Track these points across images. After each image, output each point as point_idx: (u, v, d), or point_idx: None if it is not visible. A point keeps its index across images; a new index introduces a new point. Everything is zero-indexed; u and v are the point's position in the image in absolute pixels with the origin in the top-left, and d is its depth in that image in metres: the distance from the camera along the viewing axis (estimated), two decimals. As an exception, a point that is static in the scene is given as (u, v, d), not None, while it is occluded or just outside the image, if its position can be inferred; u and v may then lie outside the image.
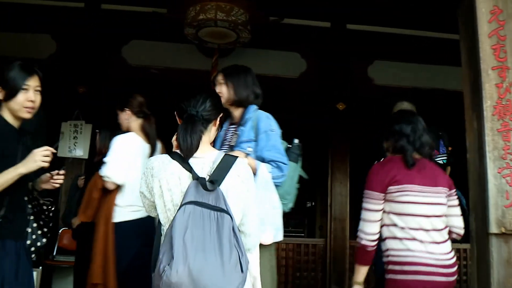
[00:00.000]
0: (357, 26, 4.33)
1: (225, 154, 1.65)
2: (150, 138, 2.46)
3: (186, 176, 1.56)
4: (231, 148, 2.18)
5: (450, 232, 2.12)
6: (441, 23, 4.31)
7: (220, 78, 2.30)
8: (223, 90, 2.25)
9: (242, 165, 1.64)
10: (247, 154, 2.09)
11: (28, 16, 4.08)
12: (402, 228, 2.05)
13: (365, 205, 2.12)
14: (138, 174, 2.21)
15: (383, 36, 4.37)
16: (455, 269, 2.03)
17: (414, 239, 2.02)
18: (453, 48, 4.46)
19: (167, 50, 4.23)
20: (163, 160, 1.60)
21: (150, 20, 3.93)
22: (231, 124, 2.30)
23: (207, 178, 1.55)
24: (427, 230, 2.03)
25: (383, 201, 2.10)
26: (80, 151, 3.98)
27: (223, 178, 1.57)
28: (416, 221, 2.04)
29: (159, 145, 2.54)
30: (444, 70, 4.48)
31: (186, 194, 1.51)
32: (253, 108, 2.24)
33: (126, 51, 4.22)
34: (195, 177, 1.54)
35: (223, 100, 2.14)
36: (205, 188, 1.52)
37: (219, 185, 1.55)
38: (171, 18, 3.46)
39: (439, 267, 1.98)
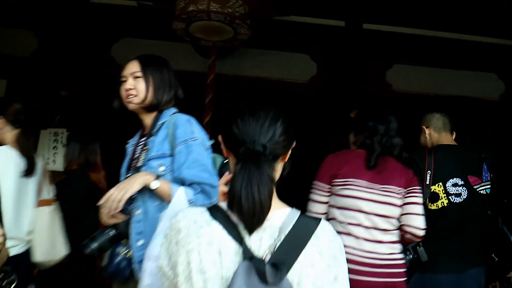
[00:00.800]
0: (375, 26, 3.92)
1: (300, 215, 1.03)
2: (25, 153, 2.09)
3: (233, 252, 0.96)
4: (138, 170, 1.62)
5: (405, 232, 2.10)
6: (469, 25, 3.95)
7: (135, 68, 1.69)
8: (140, 88, 1.67)
9: (327, 234, 1.02)
10: (158, 176, 1.56)
11: (7, 9, 3.74)
12: (341, 222, 2.06)
13: (311, 195, 2.15)
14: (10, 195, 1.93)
15: (404, 37, 3.96)
16: (395, 270, 2.00)
17: (349, 234, 2.03)
18: (482, 52, 4.18)
19: (161, 49, 3.79)
20: (196, 219, 1.00)
21: (142, 15, 3.58)
22: (142, 135, 1.75)
23: (267, 258, 0.95)
24: (366, 227, 2.04)
25: (328, 193, 2.12)
26: (59, 164, 3.52)
27: (294, 260, 0.96)
28: (356, 216, 2.05)
29: (40, 163, 2.17)
30: (472, 76, 4.08)
31: (232, 286, 0.91)
32: (169, 111, 1.70)
33: (116, 50, 3.86)
34: (248, 256, 0.95)
35: (135, 100, 1.67)
36: (263, 278, 0.90)
37: (286, 273, 0.95)
38: (159, 10, 3.04)
39: (368, 265, 1.97)
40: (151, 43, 3.84)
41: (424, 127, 2.51)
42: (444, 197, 2.28)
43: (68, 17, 3.78)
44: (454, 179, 2.31)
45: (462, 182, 2.31)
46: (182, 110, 1.74)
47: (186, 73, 3.76)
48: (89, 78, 3.67)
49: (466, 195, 2.28)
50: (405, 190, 2.11)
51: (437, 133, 2.48)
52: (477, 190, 2.33)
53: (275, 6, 3.08)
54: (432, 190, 2.30)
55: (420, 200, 2.12)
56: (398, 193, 2.08)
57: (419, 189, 2.14)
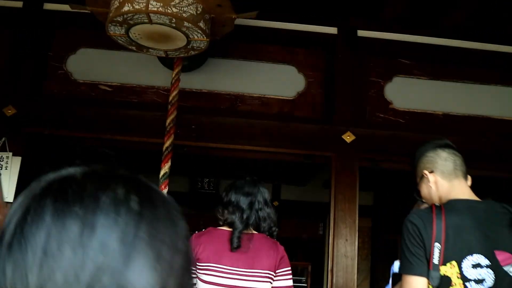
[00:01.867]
0: (371, 33, 3.49)
1: None
2: None
3: None
4: None
5: None
6: (484, 32, 3.49)
7: None
8: None
9: None
10: None
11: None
12: None
13: None
14: None
15: (406, 45, 3.52)
16: None
17: None
18: (502, 63, 3.72)
19: (123, 61, 3.41)
20: None
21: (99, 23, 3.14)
22: None
23: None
24: None
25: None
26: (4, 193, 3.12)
27: None
28: None
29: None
30: (488, 90, 3.57)
31: None
32: None
33: (71, 63, 3.42)
34: None
35: None
36: None
37: None
38: (95, 13, 2.53)
39: None
40: (112, 53, 3.40)
41: (426, 172, 1.84)
42: (460, 284, 1.57)
43: (20, 27, 3.37)
44: (475, 256, 1.58)
45: (487, 261, 1.58)
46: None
47: (152, 88, 3.35)
48: (38, 95, 3.25)
49: (492, 282, 1.57)
50: (274, 273, 1.99)
51: (446, 181, 1.78)
52: (510, 273, 1.59)
53: (245, 6, 2.55)
54: (442, 274, 1.57)
55: (290, 283, 1.98)
56: (264, 277, 1.95)
57: (289, 270, 2.00)
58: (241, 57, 3.40)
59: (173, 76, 2.77)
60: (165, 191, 2.55)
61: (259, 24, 3.34)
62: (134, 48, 2.50)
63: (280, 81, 3.39)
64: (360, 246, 5.56)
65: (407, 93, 3.51)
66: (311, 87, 3.38)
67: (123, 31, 2.34)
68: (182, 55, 2.55)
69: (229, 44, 3.38)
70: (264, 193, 2.24)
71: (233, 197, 2.20)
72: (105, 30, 2.41)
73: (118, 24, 2.29)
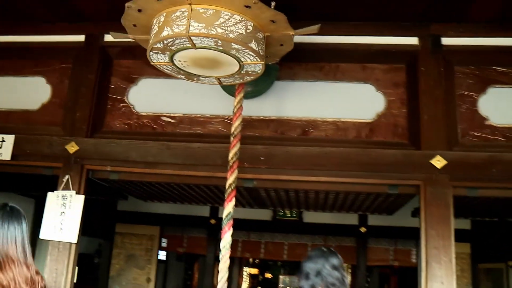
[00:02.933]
0: (458, 40, 3.06)
1: None
2: None
3: None
4: None
5: None
6: None
7: None
8: None
9: None
10: None
11: None
12: None
13: None
14: None
15: (501, 50, 3.05)
16: None
17: None
18: None
19: (186, 89, 3.23)
20: None
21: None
22: None
23: None
24: None
25: None
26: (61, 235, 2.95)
27: None
28: None
29: None
30: None
31: None
32: None
33: (133, 95, 3.33)
34: None
35: None
36: None
37: None
38: (137, 41, 2.37)
39: None
40: (172, 82, 3.28)
41: None
42: None
43: (79, 59, 3.34)
44: None
45: None
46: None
47: (214, 118, 3.17)
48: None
49: None
50: None
51: None
52: None
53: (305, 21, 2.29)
54: None
55: None
56: None
57: None
58: (311, 78, 3.12)
59: (235, 104, 2.55)
60: (229, 233, 2.31)
61: (327, 41, 3.06)
62: (183, 77, 2.30)
63: (357, 102, 3.07)
64: (458, 274, 5.04)
65: (505, 106, 3.05)
66: (392, 107, 3.02)
67: (167, 59, 2.13)
68: (237, 81, 2.31)
69: (296, 65, 3.14)
70: (332, 260, 2.49)
71: (304, 265, 2.52)
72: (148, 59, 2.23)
73: (160, 52, 2.09)
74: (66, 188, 3.07)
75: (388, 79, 3.08)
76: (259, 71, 2.23)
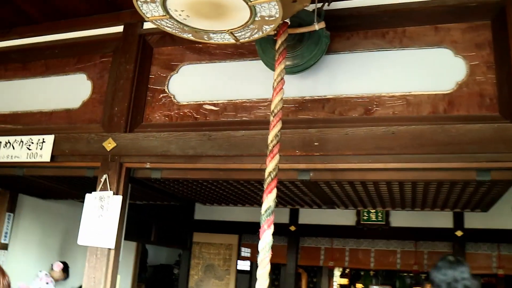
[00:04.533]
0: None
1: None
2: None
3: None
4: None
5: None
6: None
7: None
8: None
9: None
10: None
11: None
12: None
13: None
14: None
15: None
16: None
17: None
18: None
19: (229, 73, 2.88)
20: None
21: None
22: None
23: None
24: None
25: None
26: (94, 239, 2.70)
27: None
28: None
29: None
30: None
31: None
32: None
33: (174, 83, 3.03)
34: None
35: None
36: None
37: None
38: None
39: None
40: (215, 66, 2.96)
41: None
42: None
43: (118, 51, 3.12)
44: None
45: None
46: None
47: (261, 102, 2.79)
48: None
49: None
50: None
51: None
52: None
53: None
54: None
55: None
56: None
57: None
58: (372, 48, 2.64)
59: (275, 77, 2.14)
60: (269, 232, 1.90)
61: (388, 1, 2.58)
62: (191, 36, 1.92)
63: (430, 71, 2.52)
64: None
65: None
66: (475, 73, 2.44)
67: (160, 10, 1.75)
68: (256, 35, 1.89)
69: (354, 33, 2.67)
70: (463, 272, 2.61)
71: (434, 276, 2.69)
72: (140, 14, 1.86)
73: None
74: (104, 188, 2.83)
75: (468, 40, 2.50)
76: (277, 14, 1.77)
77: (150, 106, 3.02)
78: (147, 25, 3.14)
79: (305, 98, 2.66)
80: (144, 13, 1.83)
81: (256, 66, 2.82)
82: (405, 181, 2.98)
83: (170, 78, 3.04)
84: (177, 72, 3.04)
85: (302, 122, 2.59)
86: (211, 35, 1.89)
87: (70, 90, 3.29)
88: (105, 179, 2.83)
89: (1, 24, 3.53)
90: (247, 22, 1.76)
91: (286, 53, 2.22)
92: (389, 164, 2.43)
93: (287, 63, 2.37)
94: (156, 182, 3.40)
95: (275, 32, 2.23)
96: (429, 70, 2.55)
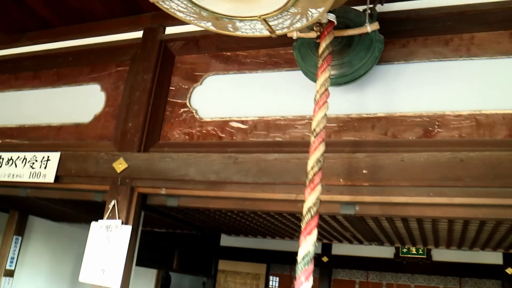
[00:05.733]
0: None
1: None
2: None
3: None
4: None
5: None
6: None
7: None
8: None
9: None
10: None
11: None
12: None
13: None
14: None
15: None
16: None
17: None
18: None
19: (261, 85, 2.52)
20: None
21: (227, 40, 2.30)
22: None
23: None
24: None
25: None
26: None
27: None
28: None
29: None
30: None
31: None
32: None
33: (197, 97, 2.68)
34: None
35: None
36: None
37: None
38: None
39: None
40: (244, 77, 2.59)
41: None
42: None
43: (135, 59, 2.78)
44: None
45: None
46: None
47: (299, 120, 2.39)
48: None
49: None
50: None
51: None
52: None
53: None
54: None
55: None
56: None
57: None
58: (433, 57, 2.22)
59: (317, 88, 1.74)
60: (307, 285, 1.48)
61: (452, 2, 2.17)
62: (211, 26, 1.52)
63: (506, 86, 2.10)
64: None
65: None
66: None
67: None
68: (298, 24, 1.46)
69: (411, 40, 2.26)
70: None
71: None
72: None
73: None
74: (112, 216, 2.47)
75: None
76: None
77: (168, 122, 2.65)
78: (169, 30, 2.81)
79: (351, 115, 2.25)
80: None
81: (293, 77, 2.44)
82: (473, 219, 2.52)
83: (192, 90, 2.68)
84: (200, 84, 2.68)
85: (347, 145, 2.17)
86: (238, 23, 1.49)
87: (81, 102, 2.97)
88: (114, 205, 2.47)
89: (13, 28, 3.27)
90: (287, 3, 1.34)
91: (331, 60, 1.82)
92: (455, 198, 1.98)
93: (332, 72, 1.97)
94: (173, 210, 3.02)
95: (318, 34, 1.85)
96: (503, 85, 2.10)
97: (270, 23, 1.48)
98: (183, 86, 2.70)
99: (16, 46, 3.30)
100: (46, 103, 3.10)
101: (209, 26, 1.57)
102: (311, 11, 1.38)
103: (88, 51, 3.04)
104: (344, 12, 2.00)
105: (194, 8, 1.42)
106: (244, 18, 1.46)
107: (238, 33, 1.57)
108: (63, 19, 3.09)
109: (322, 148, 1.68)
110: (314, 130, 1.71)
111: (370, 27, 1.88)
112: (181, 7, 1.43)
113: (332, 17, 1.79)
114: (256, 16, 1.43)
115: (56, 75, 3.16)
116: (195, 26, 2.33)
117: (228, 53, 2.67)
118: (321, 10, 1.37)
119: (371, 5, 2.01)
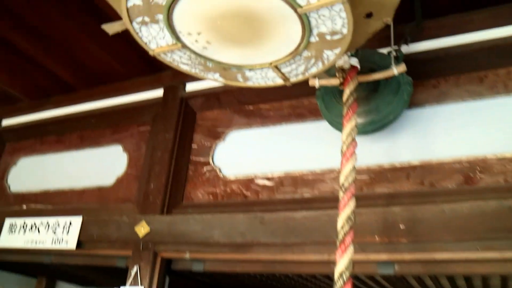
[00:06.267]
0: None
1: None
2: None
3: None
4: None
5: None
6: None
7: None
8: None
9: None
10: None
11: None
12: None
13: None
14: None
15: None
16: None
17: None
18: None
19: (286, 137, 2.42)
20: None
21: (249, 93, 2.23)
22: None
23: None
24: None
25: None
26: None
27: None
28: None
29: None
30: None
31: None
32: None
33: (219, 154, 2.59)
34: None
35: None
36: None
37: None
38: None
39: None
40: (268, 131, 2.49)
41: None
42: None
43: (156, 118, 2.72)
44: None
45: None
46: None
47: (327, 173, 2.24)
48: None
49: None
50: None
51: None
52: None
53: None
54: None
55: None
56: None
57: None
58: (467, 97, 2.06)
59: (344, 139, 1.62)
60: None
61: (485, 37, 2.03)
62: (219, 77, 1.40)
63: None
64: None
65: None
66: None
67: (169, 36, 1.22)
68: (313, 69, 1.33)
69: (442, 79, 2.13)
70: None
71: None
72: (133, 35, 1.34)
73: (145, 16, 1.19)
74: (135, 283, 2.34)
75: None
76: (344, 29, 1.19)
77: (191, 182, 2.55)
78: (190, 87, 2.76)
79: (383, 166, 2.09)
80: (146, 44, 1.35)
81: (318, 128, 2.32)
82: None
83: (215, 147, 2.58)
84: (223, 140, 2.59)
85: (381, 198, 2.01)
86: (247, 72, 1.37)
87: (104, 165, 2.91)
88: (136, 271, 2.35)
89: (38, 93, 3.30)
90: (299, 46, 1.22)
91: (357, 107, 1.70)
92: (507, 252, 1.78)
93: (359, 120, 1.85)
94: (199, 275, 2.86)
95: (341, 80, 1.74)
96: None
97: (283, 70, 1.37)
98: (206, 144, 2.62)
99: (41, 111, 3.32)
100: (69, 167, 3.07)
101: (217, 77, 1.47)
102: (326, 54, 1.27)
103: (110, 112, 3.01)
104: (367, 55, 1.89)
105: (198, 59, 1.33)
106: (254, 67, 1.35)
107: (249, 84, 1.47)
108: (84, 82, 3.09)
109: (352, 204, 1.53)
110: (343, 184, 1.56)
111: (396, 70, 1.75)
112: (184, 58, 1.34)
113: (354, 61, 1.69)
114: (266, 64, 1.32)
115: (79, 138, 3.13)
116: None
117: (250, 107, 2.59)
118: (337, 51, 1.25)
119: (396, 47, 1.90)
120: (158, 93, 2.85)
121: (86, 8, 2.41)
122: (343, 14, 1.12)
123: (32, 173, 3.22)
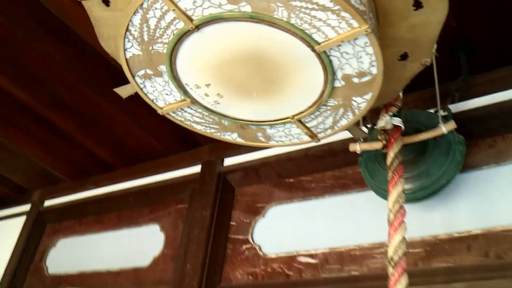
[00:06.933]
0: None
1: None
2: None
3: None
4: None
5: None
6: None
7: None
8: None
9: None
10: None
11: None
12: None
13: None
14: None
15: None
16: None
17: None
18: None
19: (330, 211, 2.26)
20: None
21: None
22: None
23: None
24: None
25: None
26: None
27: None
28: None
29: None
30: None
31: None
32: None
33: (259, 232, 2.42)
34: None
35: None
36: None
37: None
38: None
39: None
40: (309, 205, 2.32)
41: None
42: None
43: (193, 195, 2.62)
44: None
45: None
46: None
47: (376, 248, 2.04)
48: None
49: None
50: None
51: None
52: None
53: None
54: None
55: None
56: None
57: None
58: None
59: (390, 207, 1.45)
60: None
61: None
62: (237, 137, 1.25)
63: None
64: None
65: None
66: None
67: (176, 91, 1.11)
68: (343, 120, 1.15)
69: (499, 138, 1.94)
70: None
71: None
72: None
73: (145, 66, 1.08)
74: None
75: None
76: (373, 68, 1.02)
77: (230, 261, 2.39)
78: (228, 161, 2.67)
79: (439, 236, 1.87)
80: (154, 101, 1.25)
81: (364, 199, 2.14)
82: None
83: (254, 224, 2.43)
84: (263, 216, 2.43)
85: (440, 273, 1.78)
86: (268, 130, 1.21)
87: (141, 245, 2.80)
88: None
89: (78, 174, 3.31)
90: (322, 93, 1.06)
91: (403, 171, 1.54)
92: None
93: (407, 186, 1.67)
94: None
95: (384, 143, 1.59)
96: None
97: (308, 125, 1.22)
98: (245, 220, 2.47)
99: (81, 191, 3.30)
100: (106, 247, 2.98)
101: (235, 138, 1.34)
102: (355, 101, 1.11)
103: (148, 191, 2.94)
104: (411, 115, 1.75)
105: (212, 117, 1.21)
106: (274, 123, 1.22)
107: (273, 143, 1.32)
108: (123, 161, 3.07)
109: (404, 281, 1.33)
110: (392, 258, 1.37)
111: (445, 127, 1.60)
112: (197, 117, 1.22)
113: (397, 121, 1.55)
114: (288, 118, 1.18)
115: (118, 218, 3.06)
116: (255, 155, 2.19)
117: (291, 180, 2.45)
118: (368, 97, 1.09)
119: (442, 106, 1.76)
120: (196, 169, 2.78)
121: (118, 85, 2.42)
122: (370, 49, 0.98)
123: (70, 254, 3.15)
